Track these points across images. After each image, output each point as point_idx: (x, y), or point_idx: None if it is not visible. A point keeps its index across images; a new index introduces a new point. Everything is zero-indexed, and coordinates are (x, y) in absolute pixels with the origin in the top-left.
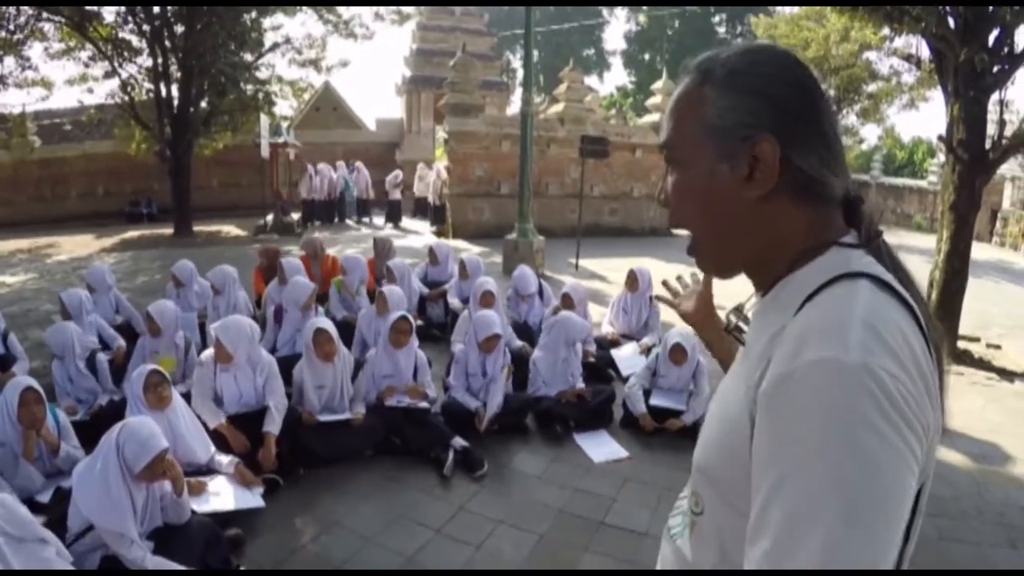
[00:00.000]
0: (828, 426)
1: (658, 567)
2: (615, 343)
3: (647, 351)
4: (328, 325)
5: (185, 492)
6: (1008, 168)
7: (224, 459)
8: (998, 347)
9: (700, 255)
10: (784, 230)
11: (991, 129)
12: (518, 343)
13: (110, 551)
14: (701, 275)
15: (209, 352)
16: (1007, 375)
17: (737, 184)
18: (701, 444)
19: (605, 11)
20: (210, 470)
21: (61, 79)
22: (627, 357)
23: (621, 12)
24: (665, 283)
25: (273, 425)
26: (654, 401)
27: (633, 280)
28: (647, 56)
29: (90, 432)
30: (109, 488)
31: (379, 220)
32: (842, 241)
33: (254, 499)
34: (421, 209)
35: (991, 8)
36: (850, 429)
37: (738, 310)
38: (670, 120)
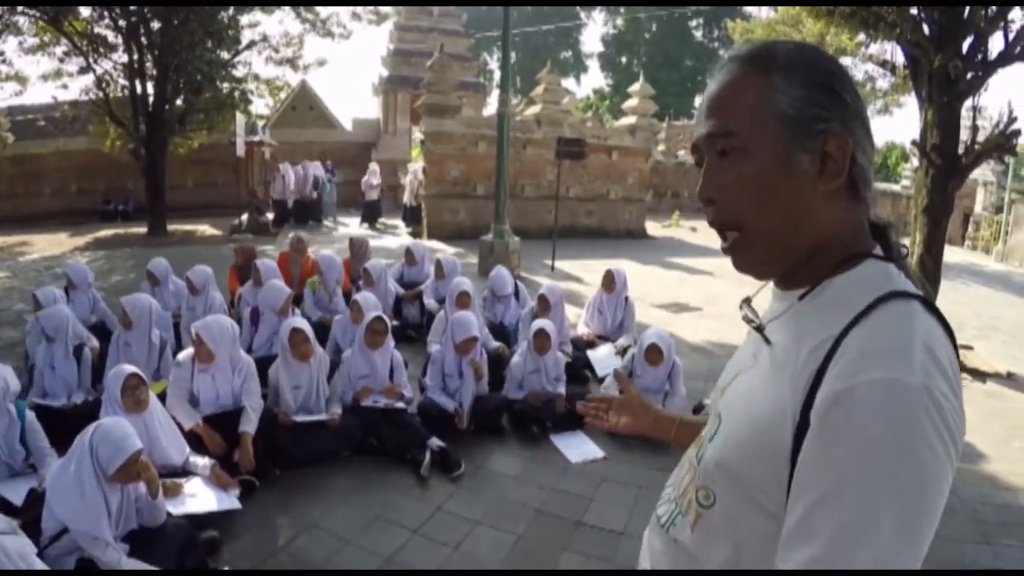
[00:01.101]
0: (890, 442)
1: (643, 558)
2: (591, 344)
3: (623, 352)
4: (304, 325)
5: (160, 494)
6: (980, 173)
7: (200, 460)
8: (970, 348)
9: (748, 252)
10: (839, 230)
11: (964, 135)
12: (495, 344)
13: (86, 554)
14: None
15: (187, 353)
16: (979, 375)
17: (809, 177)
18: (723, 441)
19: (583, 13)
20: (186, 472)
21: (35, 74)
22: (603, 358)
23: (599, 15)
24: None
25: (249, 425)
26: None
27: (610, 280)
28: (624, 59)
29: (60, 434)
30: (83, 490)
31: (357, 220)
32: (876, 253)
33: (230, 501)
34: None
35: (965, 15)
36: (910, 446)
37: (747, 302)
38: (723, 110)
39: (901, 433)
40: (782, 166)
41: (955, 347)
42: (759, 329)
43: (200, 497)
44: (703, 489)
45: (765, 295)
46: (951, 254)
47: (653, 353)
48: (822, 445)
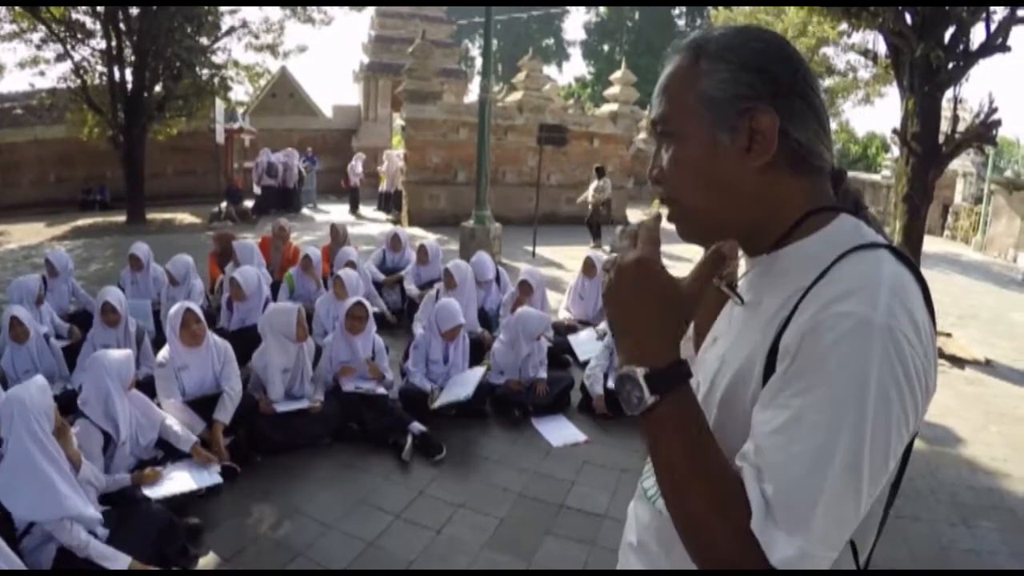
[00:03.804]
0: (846, 373)
1: (629, 530)
2: (572, 329)
3: (603, 336)
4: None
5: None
6: (960, 164)
7: (178, 428)
8: (948, 335)
9: (688, 223)
10: (782, 199)
11: (944, 125)
12: (478, 328)
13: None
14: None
15: (163, 353)
16: (958, 362)
17: (738, 155)
18: (704, 405)
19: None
20: (168, 453)
21: (12, 62)
22: (584, 342)
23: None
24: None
25: (224, 413)
26: (612, 384)
27: (590, 266)
28: (606, 47)
29: None
30: (33, 468)
31: (338, 207)
32: (843, 207)
33: (211, 477)
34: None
35: (947, 6)
36: (863, 382)
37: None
38: (663, 96)
39: (857, 367)
40: (709, 147)
41: (927, 296)
42: (730, 287)
43: (180, 478)
44: None
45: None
46: (931, 244)
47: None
48: (785, 372)
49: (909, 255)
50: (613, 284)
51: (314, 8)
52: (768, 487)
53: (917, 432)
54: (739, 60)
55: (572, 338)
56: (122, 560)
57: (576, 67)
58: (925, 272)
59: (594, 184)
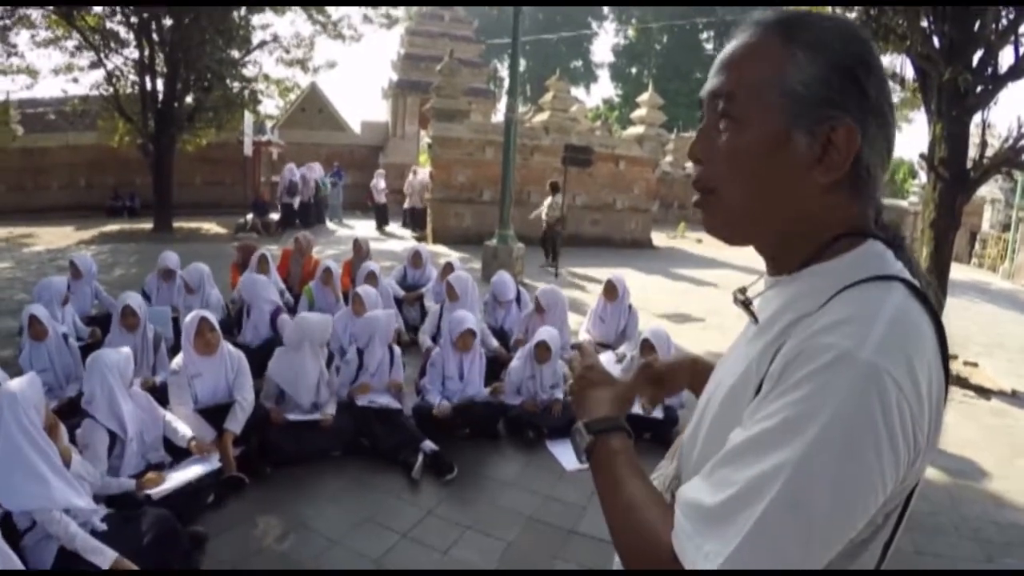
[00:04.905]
0: (810, 406)
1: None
2: None
3: (622, 359)
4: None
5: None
6: (988, 190)
7: (177, 424)
8: (975, 365)
9: (720, 217)
10: (827, 222)
11: (972, 150)
12: (495, 343)
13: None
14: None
15: (177, 360)
16: (983, 392)
17: (805, 164)
18: (700, 426)
19: (594, 23)
20: (175, 458)
21: (47, 68)
22: (604, 364)
23: (610, 25)
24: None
25: (235, 423)
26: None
27: (611, 289)
28: (634, 70)
29: None
30: (22, 458)
31: (363, 223)
32: (876, 234)
33: (209, 464)
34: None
35: (976, 28)
36: (828, 421)
37: (742, 290)
38: (731, 71)
39: (824, 408)
40: (776, 144)
41: (944, 344)
42: (746, 304)
43: (179, 474)
44: (677, 480)
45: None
46: (957, 271)
47: (647, 349)
48: (759, 401)
49: (931, 293)
50: (573, 384)
51: (344, 24)
52: (705, 498)
53: (913, 489)
54: (835, 59)
55: None
56: (108, 555)
57: (604, 89)
58: (951, 300)
59: (548, 201)
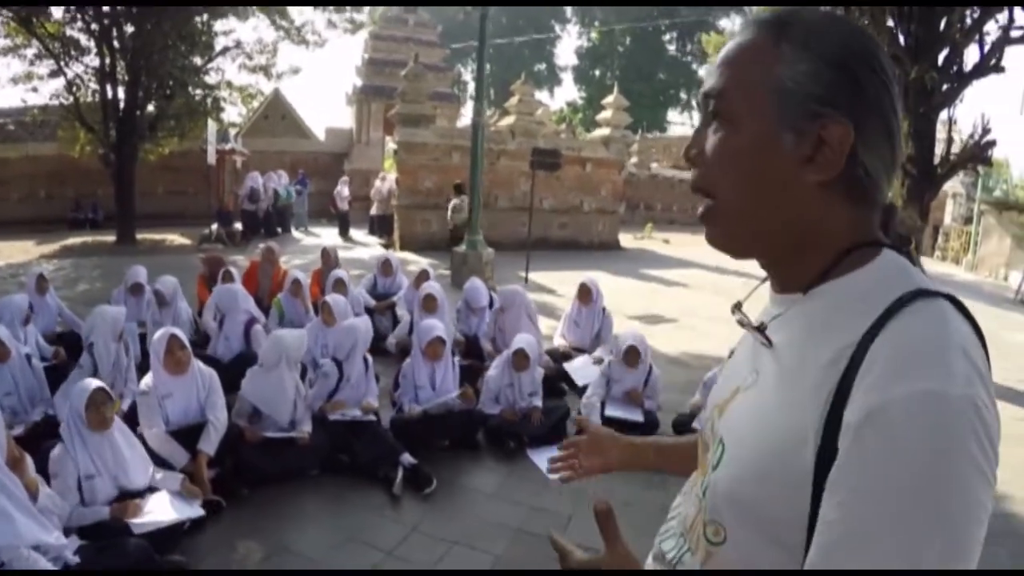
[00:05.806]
0: (935, 466)
1: None
2: (567, 356)
3: (599, 362)
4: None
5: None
6: (950, 185)
7: (162, 475)
8: None
9: (721, 225)
10: (825, 227)
11: (939, 147)
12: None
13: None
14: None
15: (147, 380)
16: None
17: (796, 162)
18: (730, 470)
19: (557, 26)
20: (152, 489)
21: (5, 77)
22: (580, 368)
23: (573, 28)
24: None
25: (208, 444)
26: (609, 412)
27: (586, 293)
28: (598, 72)
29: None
30: None
31: (329, 231)
32: (885, 241)
33: (192, 510)
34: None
35: (942, 27)
36: (958, 468)
37: (739, 306)
38: (726, 69)
39: (947, 455)
40: (765, 144)
41: (984, 346)
42: (760, 328)
43: (160, 509)
44: (712, 524)
45: (754, 305)
46: (923, 264)
47: (632, 354)
48: (855, 472)
49: (963, 303)
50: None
51: (308, 30)
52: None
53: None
54: (824, 51)
55: (568, 365)
56: None
57: (568, 92)
58: None
59: (452, 203)
